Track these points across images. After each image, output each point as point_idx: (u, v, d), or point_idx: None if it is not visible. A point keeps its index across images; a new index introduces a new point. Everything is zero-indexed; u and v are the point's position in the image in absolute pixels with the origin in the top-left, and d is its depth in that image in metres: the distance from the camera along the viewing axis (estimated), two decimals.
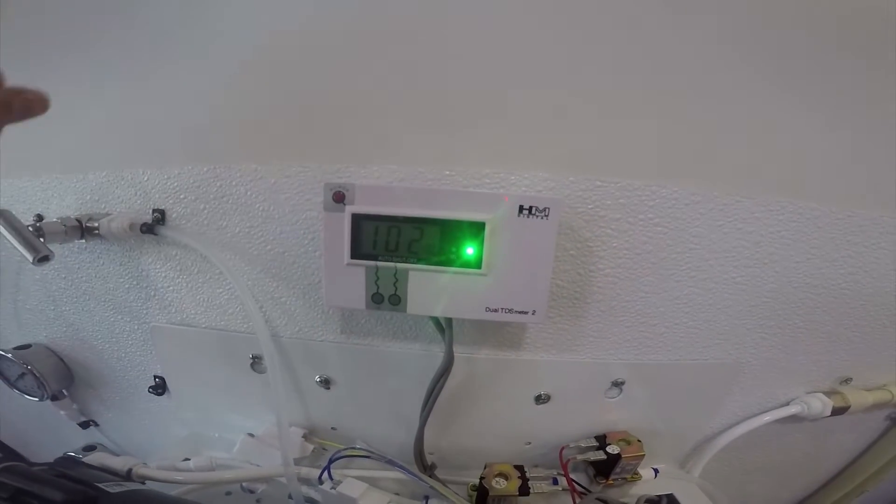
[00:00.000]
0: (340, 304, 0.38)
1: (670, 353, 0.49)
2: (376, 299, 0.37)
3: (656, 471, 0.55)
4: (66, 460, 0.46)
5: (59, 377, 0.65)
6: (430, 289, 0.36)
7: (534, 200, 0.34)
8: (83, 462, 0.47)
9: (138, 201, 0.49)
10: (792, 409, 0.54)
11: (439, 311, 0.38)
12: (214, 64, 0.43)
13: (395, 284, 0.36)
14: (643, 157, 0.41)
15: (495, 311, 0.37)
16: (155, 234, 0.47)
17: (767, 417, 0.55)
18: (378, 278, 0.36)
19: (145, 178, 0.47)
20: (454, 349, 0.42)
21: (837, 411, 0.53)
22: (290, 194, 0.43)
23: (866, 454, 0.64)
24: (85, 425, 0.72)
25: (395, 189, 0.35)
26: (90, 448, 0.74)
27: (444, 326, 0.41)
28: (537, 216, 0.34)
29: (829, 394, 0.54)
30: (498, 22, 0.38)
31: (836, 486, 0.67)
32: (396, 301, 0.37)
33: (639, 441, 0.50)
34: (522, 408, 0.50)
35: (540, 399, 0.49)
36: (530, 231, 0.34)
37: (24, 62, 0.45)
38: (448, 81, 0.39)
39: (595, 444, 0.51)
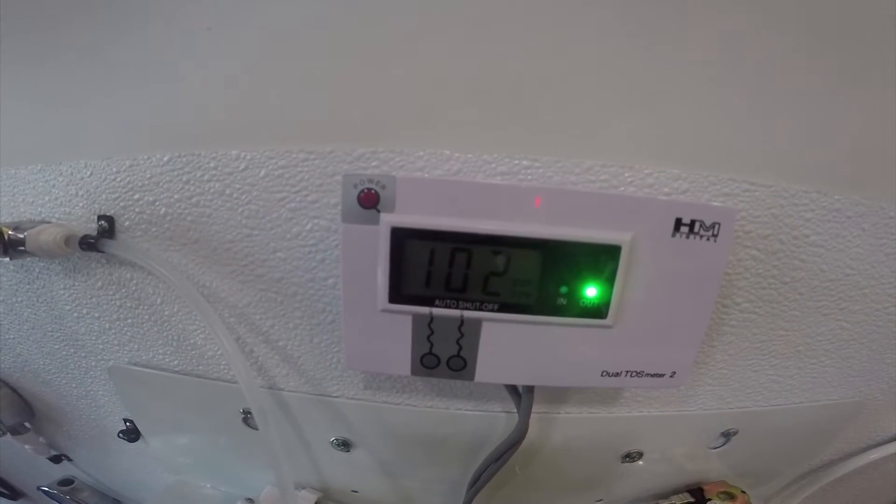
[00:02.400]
0: (369, 367, 0.23)
1: (795, 396, 0.35)
2: (428, 363, 0.22)
3: None
4: None
5: (15, 410, 0.50)
6: (514, 348, 0.21)
7: (698, 211, 0.19)
8: None
9: (80, 204, 0.32)
10: None
11: (526, 379, 0.23)
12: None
13: (458, 342, 0.21)
14: (801, 154, 0.26)
15: (616, 375, 0.22)
16: (100, 251, 0.31)
17: (874, 455, 0.43)
18: (433, 332, 0.21)
19: (88, 173, 0.31)
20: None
21: None
22: (287, 193, 0.27)
23: None
24: (56, 460, 0.57)
25: (465, 186, 0.20)
26: (67, 482, 0.60)
27: (520, 390, 0.26)
28: (702, 236, 0.19)
29: None
30: None
31: None
32: (459, 365, 0.22)
33: (743, 492, 0.39)
34: (604, 466, 0.35)
35: (629, 457, 0.35)
36: (689, 259, 0.19)
37: None
38: (529, 25, 0.24)
39: (690, 499, 0.39)
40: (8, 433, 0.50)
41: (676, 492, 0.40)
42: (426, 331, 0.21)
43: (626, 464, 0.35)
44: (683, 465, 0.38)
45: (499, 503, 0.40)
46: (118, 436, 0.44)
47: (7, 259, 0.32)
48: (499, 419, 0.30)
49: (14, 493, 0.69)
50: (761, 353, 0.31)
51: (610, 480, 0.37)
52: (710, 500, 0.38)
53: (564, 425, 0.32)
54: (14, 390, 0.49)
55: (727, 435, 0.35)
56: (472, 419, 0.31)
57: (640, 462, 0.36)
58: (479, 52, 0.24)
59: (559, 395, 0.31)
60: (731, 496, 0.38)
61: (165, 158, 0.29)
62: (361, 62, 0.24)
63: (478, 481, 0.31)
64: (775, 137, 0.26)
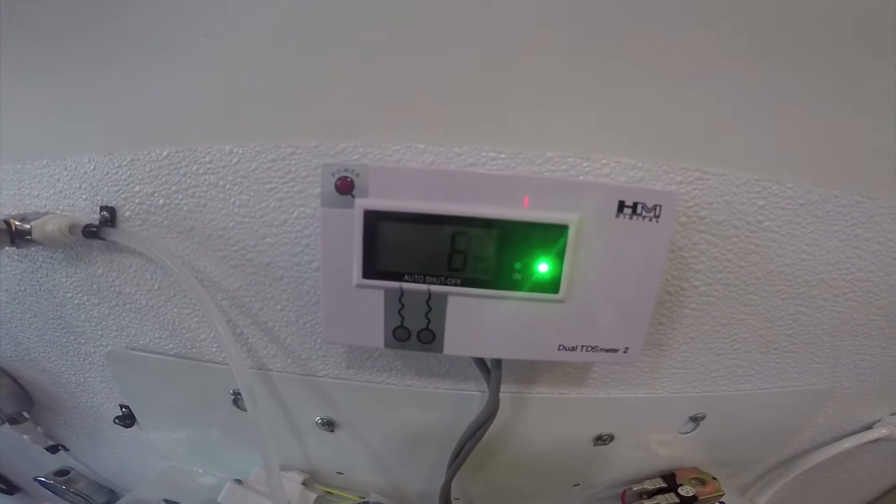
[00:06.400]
0: (346, 340, 0.25)
1: (761, 382, 0.37)
2: (400, 335, 0.24)
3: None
4: None
5: (14, 399, 0.52)
6: (478, 321, 0.23)
7: (640, 194, 0.21)
8: None
9: (83, 196, 0.35)
10: (880, 432, 0.44)
11: (490, 352, 0.25)
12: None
13: (427, 315, 0.23)
14: (754, 144, 0.29)
15: (572, 349, 0.24)
16: (102, 239, 0.33)
17: (847, 444, 0.45)
18: (403, 306, 0.23)
19: (91, 168, 0.34)
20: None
21: None
22: (276, 184, 0.29)
23: None
24: (53, 450, 0.58)
25: (429, 173, 0.22)
26: (63, 472, 0.62)
27: (489, 366, 0.28)
28: (644, 217, 0.21)
29: None
30: None
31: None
32: (429, 338, 0.24)
33: (714, 479, 0.40)
34: (577, 449, 0.37)
35: (600, 440, 0.37)
36: (633, 238, 0.22)
37: None
38: (494, 28, 0.26)
39: (663, 484, 0.40)
40: (7, 422, 0.52)
41: (650, 478, 0.41)
42: (397, 305, 0.23)
43: (598, 447, 0.37)
44: (657, 451, 0.40)
45: (479, 488, 0.42)
46: (114, 421, 0.46)
47: (14, 248, 0.35)
48: (474, 398, 0.33)
49: (11, 487, 0.70)
50: (722, 336, 0.33)
51: (584, 464, 0.39)
52: (681, 485, 0.39)
53: (536, 406, 0.34)
54: (14, 380, 0.51)
55: (696, 419, 0.37)
56: (449, 398, 0.33)
57: (613, 446, 0.37)
58: (449, 55, 0.26)
59: (529, 375, 0.33)
60: (703, 482, 0.39)
61: (164, 153, 0.31)
62: (344, 66, 0.27)
63: (456, 459, 0.33)
64: (727, 128, 0.28)
